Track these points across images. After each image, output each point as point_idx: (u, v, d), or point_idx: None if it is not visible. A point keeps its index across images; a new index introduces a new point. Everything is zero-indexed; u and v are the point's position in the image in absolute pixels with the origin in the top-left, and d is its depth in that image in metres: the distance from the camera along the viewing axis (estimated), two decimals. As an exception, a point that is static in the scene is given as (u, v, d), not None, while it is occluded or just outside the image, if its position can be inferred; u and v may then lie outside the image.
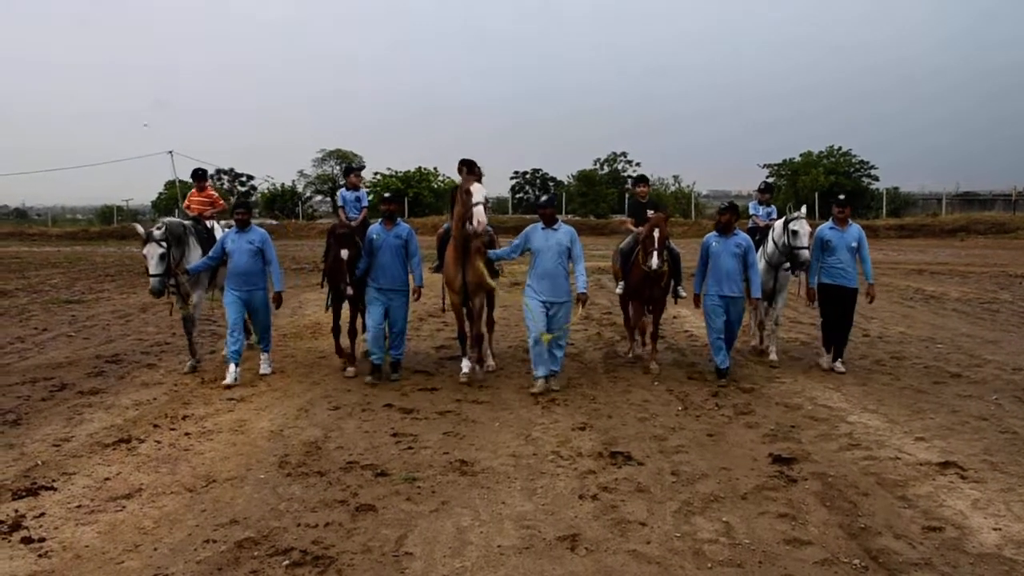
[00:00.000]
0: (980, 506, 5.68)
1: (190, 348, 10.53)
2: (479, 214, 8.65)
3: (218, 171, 60.23)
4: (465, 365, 9.68)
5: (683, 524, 5.40)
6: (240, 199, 11.60)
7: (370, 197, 12.65)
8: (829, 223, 10.29)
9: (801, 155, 51.94)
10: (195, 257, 10.27)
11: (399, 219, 9.94)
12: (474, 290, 9.39)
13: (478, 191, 8.79)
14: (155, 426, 7.74)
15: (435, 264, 10.40)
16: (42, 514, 5.58)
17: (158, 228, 9.70)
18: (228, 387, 9.21)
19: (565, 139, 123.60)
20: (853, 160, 50.03)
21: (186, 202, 12.21)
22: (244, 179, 60.98)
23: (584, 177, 55.13)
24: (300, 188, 58.79)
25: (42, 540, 5.15)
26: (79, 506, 5.74)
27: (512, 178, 59.07)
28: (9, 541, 5.14)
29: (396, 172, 54.45)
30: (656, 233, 9.39)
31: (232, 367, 9.51)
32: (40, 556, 4.93)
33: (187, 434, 7.49)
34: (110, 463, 6.67)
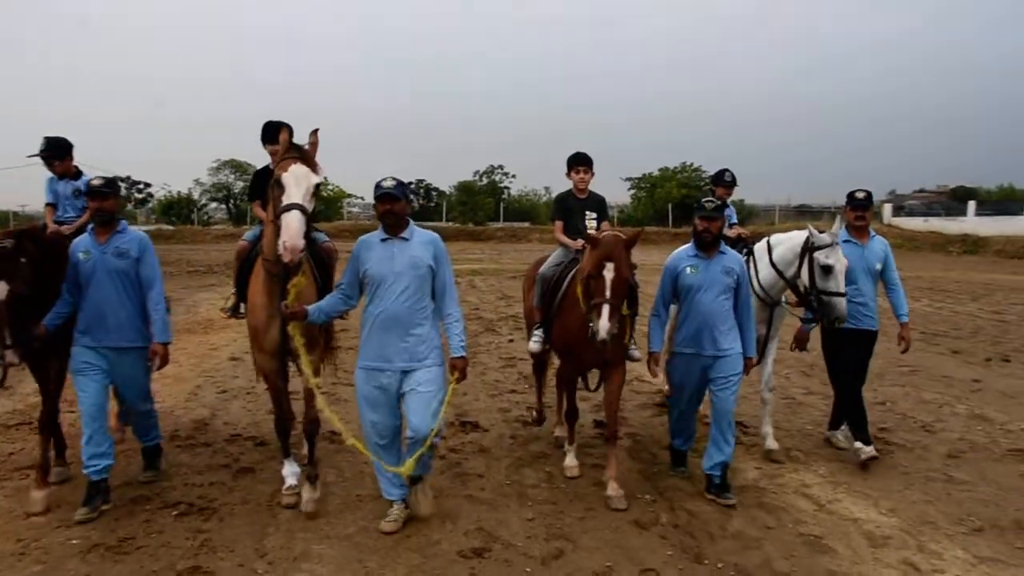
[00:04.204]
0: (750, 453, 6.62)
1: None
2: (288, 229, 4.53)
3: (115, 177, 58.51)
4: (290, 473, 5.64)
5: (513, 474, 6.12)
6: None
7: None
8: (843, 233, 6.43)
9: (659, 170, 54.04)
10: None
11: (124, 223, 5.70)
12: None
13: (296, 180, 4.74)
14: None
15: (228, 303, 6.50)
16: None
17: None
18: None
19: (447, 149, 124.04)
20: (703, 175, 52.25)
21: None
22: (141, 187, 59.45)
23: (464, 188, 55.87)
24: (196, 196, 57.65)
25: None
26: (-12, 475, 6.04)
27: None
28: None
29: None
30: (608, 273, 5.13)
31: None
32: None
33: (86, 416, 7.78)
34: (14, 440, 6.95)
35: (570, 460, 6.19)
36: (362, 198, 61.15)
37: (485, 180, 57.93)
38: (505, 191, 58.21)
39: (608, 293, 5.13)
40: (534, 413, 7.41)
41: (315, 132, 5.03)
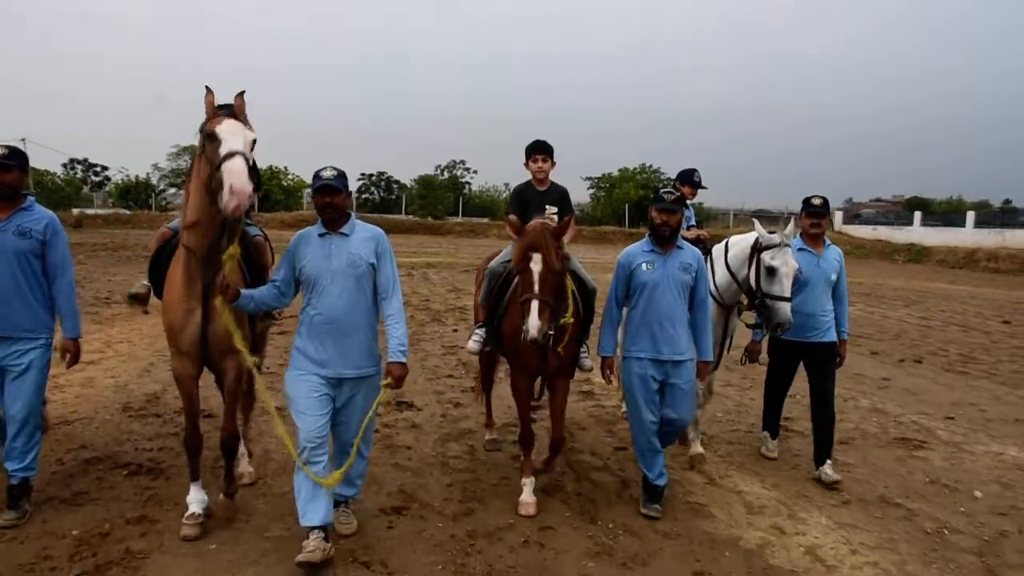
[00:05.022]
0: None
1: None
2: (233, 173, 4.14)
3: (71, 160, 58.25)
4: (195, 500, 4.94)
5: (439, 447, 6.74)
6: None
7: None
8: (797, 242, 6.27)
9: (619, 170, 54.99)
10: None
11: (33, 199, 5.07)
12: (223, 350, 4.80)
13: (232, 132, 4.34)
14: (12, 381, 8.44)
15: (134, 289, 5.47)
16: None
17: None
18: None
19: (412, 146, 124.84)
20: (662, 177, 53.25)
21: None
22: (98, 169, 59.16)
23: (425, 182, 56.33)
24: (154, 181, 57.50)
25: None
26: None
27: (359, 180, 59.54)
28: None
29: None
30: (535, 265, 4.82)
31: None
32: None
33: (41, 388, 8.24)
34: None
35: (527, 495, 5.43)
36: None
37: (446, 175, 58.50)
38: (466, 186, 58.86)
39: (536, 287, 4.76)
40: (489, 434, 6.95)
41: (241, 94, 4.61)
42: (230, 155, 4.22)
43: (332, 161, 4.64)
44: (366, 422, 4.73)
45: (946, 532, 5.40)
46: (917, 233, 41.98)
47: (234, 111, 4.51)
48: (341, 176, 4.63)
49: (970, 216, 40.80)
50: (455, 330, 12.91)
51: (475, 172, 59.52)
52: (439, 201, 54.47)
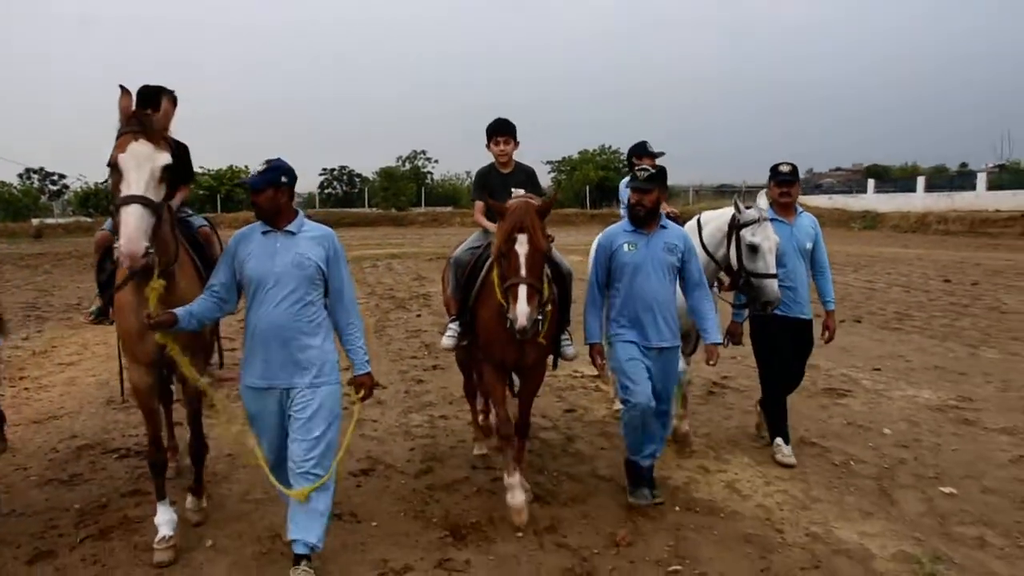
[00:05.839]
0: (602, 399, 8.01)
1: None
2: (127, 226, 3.63)
3: (28, 170, 57.93)
4: (163, 521, 4.64)
5: (402, 419, 7.42)
6: None
7: None
8: (768, 212, 5.84)
9: (579, 153, 55.80)
10: None
11: None
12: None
13: (136, 163, 3.79)
14: (-3, 385, 8.98)
15: (92, 307, 5.44)
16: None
17: None
18: None
19: (372, 139, 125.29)
20: (622, 157, 53.95)
21: None
22: (55, 178, 58.82)
23: (386, 173, 56.69)
24: (115, 187, 57.17)
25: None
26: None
27: (320, 175, 59.73)
28: None
29: (208, 170, 54.13)
30: (521, 247, 4.52)
31: None
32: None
33: (26, 389, 8.79)
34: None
35: (516, 497, 5.01)
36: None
37: (407, 165, 58.91)
38: (428, 176, 59.29)
39: (523, 271, 4.45)
40: (478, 448, 6.36)
41: (170, 96, 4.13)
42: (127, 201, 3.71)
43: (293, 158, 4.31)
44: (345, 446, 4.55)
45: (852, 463, 6.17)
46: (871, 200, 43.13)
47: (148, 124, 3.91)
48: (268, 171, 4.20)
49: (920, 181, 41.93)
50: (418, 315, 13.61)
51: (436, 162, 59.99)
52: (402, 192, 54.94)
